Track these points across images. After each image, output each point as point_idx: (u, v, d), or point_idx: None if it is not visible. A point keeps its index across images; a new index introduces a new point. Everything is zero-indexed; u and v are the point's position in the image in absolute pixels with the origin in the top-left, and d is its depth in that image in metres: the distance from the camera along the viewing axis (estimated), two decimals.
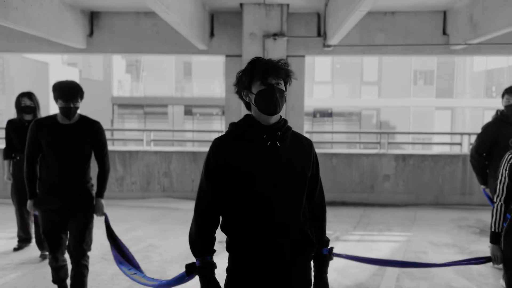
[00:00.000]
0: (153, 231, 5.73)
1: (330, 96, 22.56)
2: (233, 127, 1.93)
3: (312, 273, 2.00)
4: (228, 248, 1.92)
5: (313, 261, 2.01)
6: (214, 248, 1.93)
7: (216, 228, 1.93)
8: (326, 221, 2.06)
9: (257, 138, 1.86)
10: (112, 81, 23.24)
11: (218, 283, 1.89)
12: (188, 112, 23.61)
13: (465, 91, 23.37)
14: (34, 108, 4.65)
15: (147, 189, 7.55)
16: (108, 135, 11.56)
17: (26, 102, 4.63)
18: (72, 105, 3.14)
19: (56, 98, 3.14)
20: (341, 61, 22.48)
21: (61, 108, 3.16)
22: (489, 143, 4.08)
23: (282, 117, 1.96)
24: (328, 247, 2.02)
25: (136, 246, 5.12)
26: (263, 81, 1.84)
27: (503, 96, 4.11)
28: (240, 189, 1.84)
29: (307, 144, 1.97)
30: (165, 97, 23.10)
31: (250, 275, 1.87)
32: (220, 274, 1.94)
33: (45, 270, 4.32)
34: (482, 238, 5.58)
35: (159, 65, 23.79)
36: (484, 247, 5.17)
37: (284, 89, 1.90)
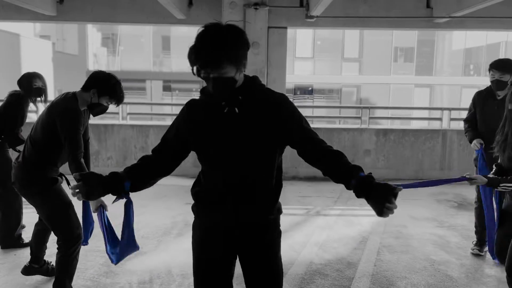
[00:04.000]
0: None
1: (311, 73, 22.40)
2: (200, 92, 1.88)
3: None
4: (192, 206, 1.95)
5: (356, 190, 1.70)
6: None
7: (152, 175, 1.86)
8: (344, 156, 1.76)
9: (216, 103, 1.77)
10: (88, 55, 22.48)
11: (97, 178, 1.75)
12: (166, 88, 23.12)
13: (444, 69, 23.57)
14: None
15: (124, 164, 7.32)
16: None
17: None
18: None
19: (103, 94, 2.85)
20: (322, 38, 22.26)
21: (95, 105, 2.89)
22: (470, 110, 4.16)
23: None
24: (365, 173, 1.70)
25: (112, 222, 4.97)
26: (201, 72, 1.68)
27: (489, 71, 4.06)
28: (198, 152, 1.84)
29: (275, 103, 1.78)
30: (142, 72, 22.53)
31: (202, 233, 1.91)
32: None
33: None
34: (460, 212, 5.63)
35: (136, 39, 23.09)
36: (462, 221, 5.21)
37: (232, 74, 1.67)
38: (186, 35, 21.89)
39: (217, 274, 1.87)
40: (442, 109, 7.87)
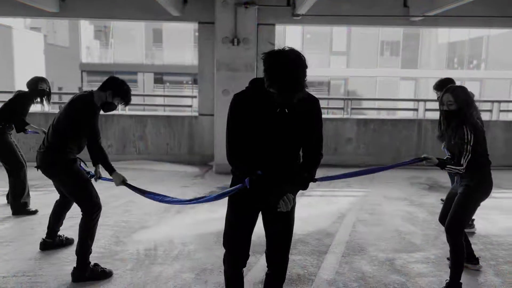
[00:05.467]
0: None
1: None
2: (252, 85, 2.30)
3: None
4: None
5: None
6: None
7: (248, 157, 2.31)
8: (315, 162, 2.35)
9: (268, 102, 2.19)
10: (80, 48, 22.70)
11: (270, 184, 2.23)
12: (158, 80, 23.47)
13: (429, 62, 24.26)
14: None
15: (123, 151, 7.82)
16: None
17: None
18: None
19: (117, 95, 3.45)
20: (311, 31, 22.77)
21: (108, 104, 3.47)
22: None
23: None
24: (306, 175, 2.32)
25: (116, 202, 5.48)
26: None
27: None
28: (249, 135, 2.26)
29: (311, 103, 2.30)
30: (134, 64, 22.83)
31: (240, 195, 2.36)
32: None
33: (32, 222, 4.65)
34: (431, 192, 6.24)
35: (128, 32, 23.36)
36: (430, 200, 5.83)
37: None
38: (177, 28, 22.25)
39: (246, 225, 2.41)
40: (418, 100, 8.49)
